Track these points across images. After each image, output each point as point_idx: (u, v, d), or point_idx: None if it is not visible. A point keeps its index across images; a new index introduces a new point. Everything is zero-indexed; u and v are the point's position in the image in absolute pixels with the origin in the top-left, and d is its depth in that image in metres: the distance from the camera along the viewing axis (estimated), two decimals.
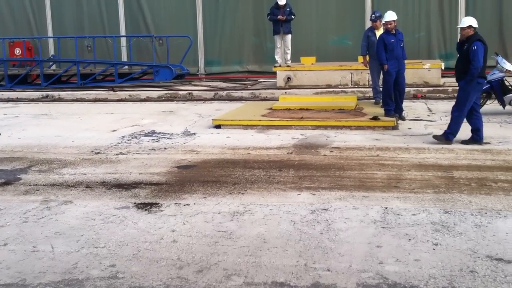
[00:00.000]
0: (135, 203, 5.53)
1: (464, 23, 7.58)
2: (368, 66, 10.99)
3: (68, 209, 5.41)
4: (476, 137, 7.64)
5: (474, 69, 7.30)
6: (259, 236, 4.54)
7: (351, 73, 13.28)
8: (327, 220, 4.84)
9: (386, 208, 5.12)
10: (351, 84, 13.28)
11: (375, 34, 10.49)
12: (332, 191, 5.70)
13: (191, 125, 9.88)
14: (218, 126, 9.49)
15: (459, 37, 7.99)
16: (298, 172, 6.46)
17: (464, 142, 7.64)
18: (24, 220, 5.13)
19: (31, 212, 5.34)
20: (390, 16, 9.27)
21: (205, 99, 13.37)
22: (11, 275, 3.97)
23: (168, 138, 8.81)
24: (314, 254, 4.16)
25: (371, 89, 11.65)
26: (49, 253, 4.34)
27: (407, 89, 12.15)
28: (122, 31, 16.86)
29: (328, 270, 3.87)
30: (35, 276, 3.94)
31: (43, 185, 6.30)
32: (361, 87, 13.02)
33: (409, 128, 8.89)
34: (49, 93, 14.36)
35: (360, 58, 11.51)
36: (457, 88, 7.83)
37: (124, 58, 16.73)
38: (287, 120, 9.46)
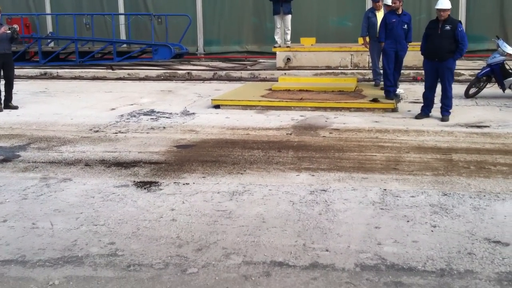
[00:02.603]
0: (134, 181, 5.54)
1: (448, 5, 7.91)
2: (368, 48, 10.92)
3: (67, 186, 5.41)
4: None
5: (465, 48, 8.03)
6: (258, 216, 4.56)
7: (351, 54, 13.21)
8: (326, 201, 4.86)
9: (385, 189, 5.14)
10: (351, 66, 13.22)
11: (375, 15, 10.40)
12: (331, 172, 5.71)
13: (190, 105, 9.85)
14: (217, 106, 9.46)
15: (435, 18, 8.18)
16: (297, 153, 6.46)
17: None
18: (24, 197, 5.13)
19: (30, 189, 5.34)
20: None
21: (204, 79, 13.31)
22: (11, 251, 3.99)
23: (167, 117, 8.78)
24: (313, 234, 4.18)
25: (371, 71, 11.60)
26: (49, 230, 4.36)
27: (407, 72, 12.19)
28: (121, 9, 16.70)
29: (327, 250, 3.90)
30: (34, 253, 3.96)
31: (42, 162, 6.29)
32: (361, 69, 12.97)
33: (409, 111, 8.87)
34: (48, 70, 14.26)
35: (360, 40, 11.43)
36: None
37: (123, 36, 16.60)
38: (286, 101, 9.44)
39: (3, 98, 9.64)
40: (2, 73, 9.64)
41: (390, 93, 9.29)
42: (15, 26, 9.89)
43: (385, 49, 9.32)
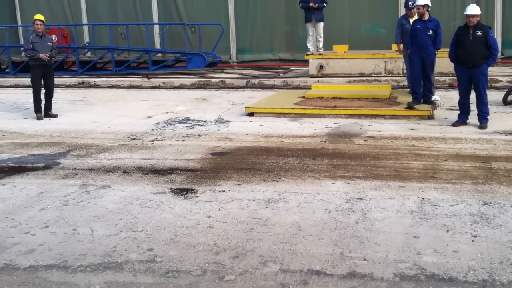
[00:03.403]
0: (171, 188, 5.61)
1: (477, 11, 7.89)
2: (402, 54, 10.80)
3: (106, 193, 5.52)
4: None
5: (498, 53, 8.33)
6: (294, 224, 4.55)
7: (385, 61, 13.10)
8: (362, 210, 4.82)
9: (423, 198, 5.06)
10: (385, 73, 13.10)
11: (409, 22, 10.29)
12: (367, 180, 5.66)
13: (224, 113, 9.92)
14: (251, 114, 9.51)
15: (465, 23, 8.13)
16: (332, 161, 6.44)
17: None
18: (64, 203, 5.25)
19: (70, 195, 5.47)
20: (418, 1, 9.12)
21: (237, 87, 13.39)
22: (53, 257, 4.08)
23: (202, 125, 8.87)
24: (350, 243, 4.15)
25: (405, 77, 11.46)
26: (89, 236, 4.44)
27: (442, 78, 12.01)
28: (155, 19, 16.99)
29: (365, 260, 3.86)
30: (75, 258, 4.04)
31: (82, 169, 6.43)
32: (395, 76, 12.84)
33: (445, 118, 8.74)
34: (85, 79, 14.61)
35: (394, 46, 11.33)
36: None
37: (158, 45, 16.88)
38: (320, 109, 9.41)
39: (43, 106, 9.91)
40: (42, 83, 9.93)
41: (415, 99, 9.22)
42: (54, 48, 10.17)
43: (410, 56, 9.31)
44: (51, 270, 3.86)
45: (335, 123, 8.59)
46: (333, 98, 10.32)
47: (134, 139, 8.01)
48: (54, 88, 10.33)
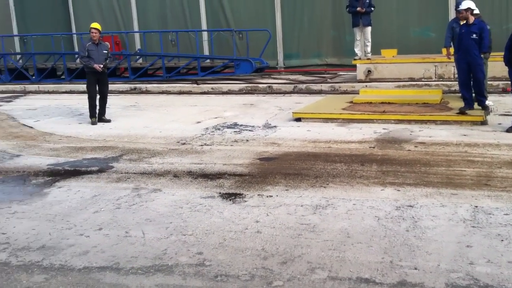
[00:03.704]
0: (220, 193, 5.68)
1: None
2: (453, 58, 10.54)
3: (157, 196, 5.65)
4: None
5: None
6: (342, 231, 4.53)
7: (435, 65, 12.79)
8: (413, 217, 4.74)
9: (476, 206, 4.93)
10: (435, 77, 12.80)
11: (460, 25, 10.06)
12: (418, 187, 5.56)
13: (272, 118, 9.96)
14: (298, 119, 9.51)
15: None
16: (381, 167, 6.36)
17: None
18: (117, 206, 5.41)
19: (123, 199, 5.62)
20: (462, 5, 8.91)
21: (284, 92, 13.41)
22: (106, 259, 4.20)
23: (249, 130, 8.94)
24: (400, 251, 4.09)
25: (457, 82, 11.17)
26: (140, 239, 4.56)
27: (495, 83, 11.63)
28: (204, 26, 17.24)
29: (415, 269, 3.80)
30: (127, 260, 4.15)
31: (134, 173, 6.61)
32: (446, 80, 12.53)
33: (499, 124, 8.47)
34: (137, 85, 14.98)
35: (444, 50, 11.08)
36: None
37: (206, 52, 17.11)
38: (368, 114, 9.31)
39: (97, 112, 10.23)
40: (97, 89, 10.24)
41: (467, 105, 8.99)
42: (109, 55, 10.47)
43: (457, 60, 9.22)
44: (104, 272, 3.98)
45: (384, 129, 8.48)
46: (382, 103, 10.19)
47: (184, 143, 8.15)
48: (108, 94, 10.64)
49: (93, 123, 10.06)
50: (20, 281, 3.85)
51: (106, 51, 10.26)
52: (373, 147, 7.36)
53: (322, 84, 13.56)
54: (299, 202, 5.28)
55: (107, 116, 10.38)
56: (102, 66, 10.07)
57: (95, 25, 10.30)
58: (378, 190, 5.53)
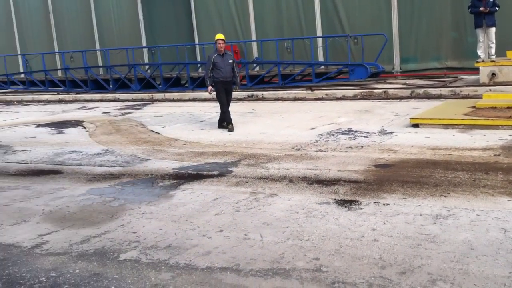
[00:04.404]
0: (335, 199, 5.71)
1: None
2: None
3: (274, 201, 5.80)
4: None
5: None
6: (465, 242, 4.34)
7: None
8: None
9: None
10: None
11: None
12: None
13: (388, 124, 9.77)
14: (416, 125, 9.23)
15: None
16: (508, 176, 5.98)
17: None
18: (236, 209, 5.64)
19: (242, 202, 5.85)
20: None
21: (401, 97, 13.07)
22: (227, 260, 4.39)
23: (364, 136, 8.85)
24: None
25: None
26: (259, 242, 4.71)
27: None
28: (319, 32, 17.32)
29: None
30: (247, 262, 4.30)
31: (252, 177, 6.84)
32: None
33: None
34: (254, 92, 15.42)
35: None
36: None
37: (321, 58, 17.18)
38: (493, 119, 8.79)
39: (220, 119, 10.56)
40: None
41: None
42: (235, 64, 10.63)
43: None
44: (225, 272, 4.16)
45: (510, 135, 7.96)
46: (508, 108, 9.54)
47: (299, 149, 8.28)
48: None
49: (230, 130, 10.23)
50: (149, 278, 4.15)
51: (231, 61, 10.41)
52: (499, 155, 6.94)
53: (441, 89, 13.01)
54: (418, 211, 5.14)
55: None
56: (210, 92, 10.36)
57: (221, 36, 10.40)
58: (505, 201, 5.22)
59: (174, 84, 17.74)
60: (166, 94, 17.00)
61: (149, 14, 20.67)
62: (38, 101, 19.14)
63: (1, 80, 22.00)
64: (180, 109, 14.28)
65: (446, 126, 8.96)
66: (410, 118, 9.55)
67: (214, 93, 10.51)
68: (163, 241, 4.88)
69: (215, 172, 7.22)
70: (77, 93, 19.27)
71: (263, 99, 15.01)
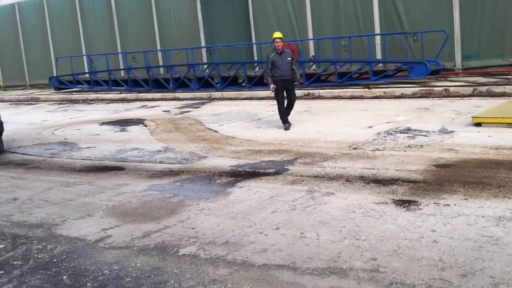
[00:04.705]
0: (393, 199, 5.63)
1: None
2: None
3: (330, 200, 5.79)
4: None
5: None
6: None
7: None
8: None
9: None
10: None
11: None
12: None
13: (448, 123, 9.51)
14: (478, 124, 8.94)
15: None
16: None
17: None
18: (292, 207, 5.67)
19: (298, 200, 5.87)
20: None
21: (462, 95, 12.67)
22: (283, 257, 4.43)
23: (424, 135, 8.66)
24: None
25: None
26: (315, 240, 4.73)
27: None
28: (377, 30, 17.02)
29: None
30: (303, 261, 4.32)
31: (308, 176, 6.84)
32: None
33: None
34: (310, 91, 15.38)
35: None
36: None
37: (379, 56, 16.88)
38: None
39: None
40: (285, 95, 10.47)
41: None
42: (294, 62, 10.48)
43: None
44: (282, 270, 4.20)
45: None
46: None
47: (355, 148, 8.20)
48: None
49: (286, 129, 10.25)
50: (207, 273, 4.25)
51: (290, 58, 10.29)
52: None
53: (505, 86, 12.52)
54: (479, 213, 5.00)
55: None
56: (272, 89, 10.36)
57: (278, 34, 10.33)
58: None
59: (231, 83, 17.94)
60: (223, 92, 17.23)
61: (208, 14, 20.99)
62: (102, 100, 19.87)
63: (67, 79, 22.95)
64: (237, 107, 14.45)
65: (510, 125, 8.62)
66: (472, 117, 9.26)
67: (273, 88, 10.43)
68: (221, 237, 4.97)
69: (271, 170, 7.28)
70: (139, 92, 19.86)
71: (320, 97, 14.93)
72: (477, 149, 7.43)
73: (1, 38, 28.49)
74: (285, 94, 10.56)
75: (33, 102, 21.77)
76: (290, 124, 10.42)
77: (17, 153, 10.33)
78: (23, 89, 27.23)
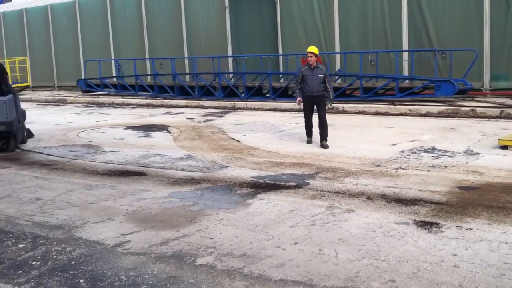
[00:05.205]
0: (414, 220, 5.55)
1: None
2: None
3: (350, 217, 5.73)
4: None
5: None
6: None
7: None
8: None
9: None
10: None
11: None
12: None
13: (474, 144, 9.37)
14: (504, 147, 8.79)
15: None
16: None
17: None
18: (312, 223, 5.63)
19: (317, 216, 5.83)
20: None
21: (489, 117, 12.49)
22: (300, 273, 4.38)
23: (448, 156, 8.54)
24: None
25: None
26: (333, 258, 4.67)
27: None
28: (405, 46, 16.92)
29: None
30: (320, 278, 4.27)
31: (328, 191, 6.80)
32: None
33: None
34: (335, 105, 15.27)
35: None
36: None
37: (405, 72, 16.76)
38: None
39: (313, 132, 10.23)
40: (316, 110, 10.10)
41: None
42: (325, 79, 10.03)
43: None
44: (298, 286, 4.14)
45: None
46: None
47: (378, 165, 8.12)
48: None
49: (308, 142, 10.12)
50: (223, 285, 4.22)
51: (322, 75, 9.83)
52: None
53: None
54: (503, 239, 4.90)
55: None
56: (298, 102, 10.08)
57: (312, 48, 9.92)
58: None
59: (256, 93, 17.99)
60: (247, 102, 17.27)
61: (236, 23, 21.12)
62: (128, 105, 20.10)
63: (95, 82, 23.31)
64: (260, 118, 14.46)
65: None
66: (498, 139, 9.10)
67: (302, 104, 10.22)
68: (239, 249, 4.96)
69: (292, 184, 7.25)
70: (164, 98, 20.04)
71: (343, 112, 14.86)
72: (503, 172, 7.30)
73: (32, 39, 29.14)
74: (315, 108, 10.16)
75: (60, 104, 22.16)
76: (327, 147, 9.70)
77: (42, 153, 10.49)
78: (51, 90, 27.76)
